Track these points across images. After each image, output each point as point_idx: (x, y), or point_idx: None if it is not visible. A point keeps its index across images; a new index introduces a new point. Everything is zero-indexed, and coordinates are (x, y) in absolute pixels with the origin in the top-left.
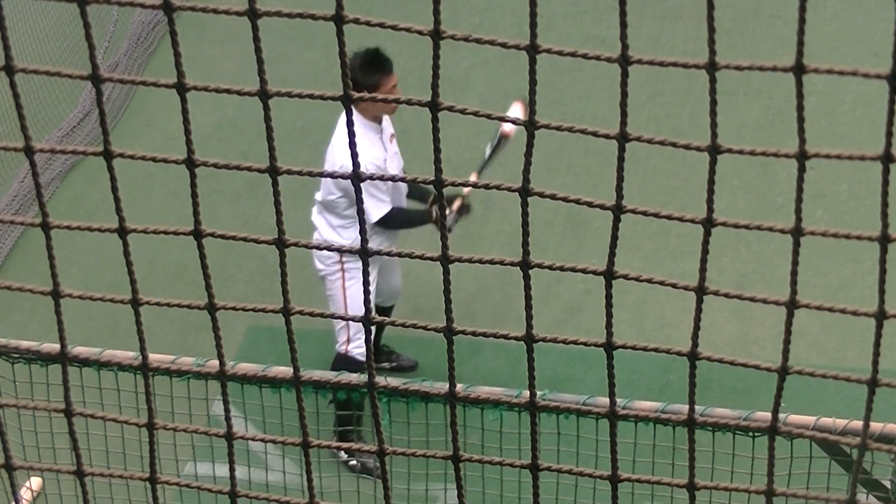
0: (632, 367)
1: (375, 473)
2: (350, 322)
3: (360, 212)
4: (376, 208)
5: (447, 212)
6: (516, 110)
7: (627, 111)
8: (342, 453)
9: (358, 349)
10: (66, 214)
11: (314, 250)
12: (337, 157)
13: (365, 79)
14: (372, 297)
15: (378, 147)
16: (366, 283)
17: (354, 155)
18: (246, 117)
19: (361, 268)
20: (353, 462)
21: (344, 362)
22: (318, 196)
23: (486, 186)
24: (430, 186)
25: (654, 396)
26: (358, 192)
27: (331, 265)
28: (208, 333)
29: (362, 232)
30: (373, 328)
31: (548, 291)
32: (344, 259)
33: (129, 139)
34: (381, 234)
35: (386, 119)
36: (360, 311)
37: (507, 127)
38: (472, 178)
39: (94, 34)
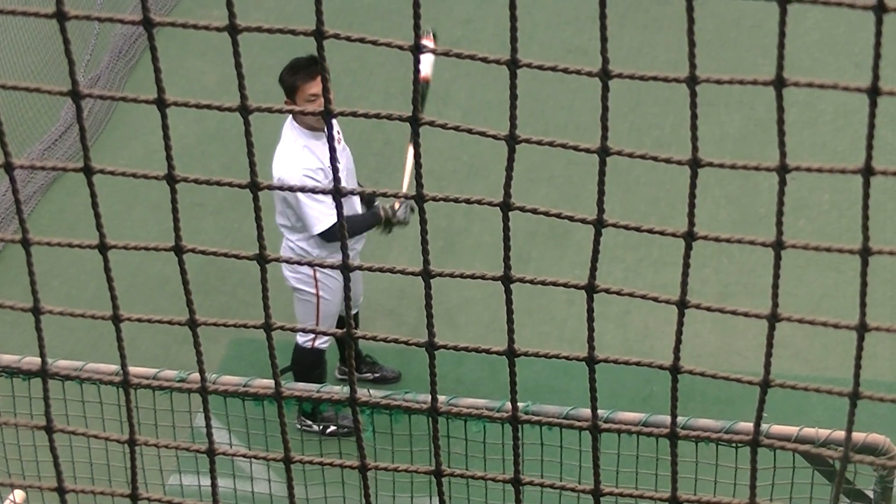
0: (615, 377)
1: (349, 430)
2: (322, 321)
3: (342, 226)
4: (318, 221)
5: (395, 207)
6: (427, 60)
7: (609, 123)
8: (313, 424)
9: (324, 343)
10: (48, 227)
11: (284, 265)
12: (274, 170)
13: (286, 79)
14: (340, 300)
15: (314, 157)
16: (347, 299)
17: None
18: (228, 129)
19: (341, 282)
20: (332, 428)
21: (308, 354)
22: (277, 220)
23: (467, 201)
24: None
25: (638, 407)
26: (339, 205)
27: (304, 277)
28: (191, 345)
29: (343, 247)
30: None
31: (530, 303)
32: (318, 274)
33: (111, 152)
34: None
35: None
36: (332, 319)
37: (424, 71)
38: (409, 152)
39: (75, 47)
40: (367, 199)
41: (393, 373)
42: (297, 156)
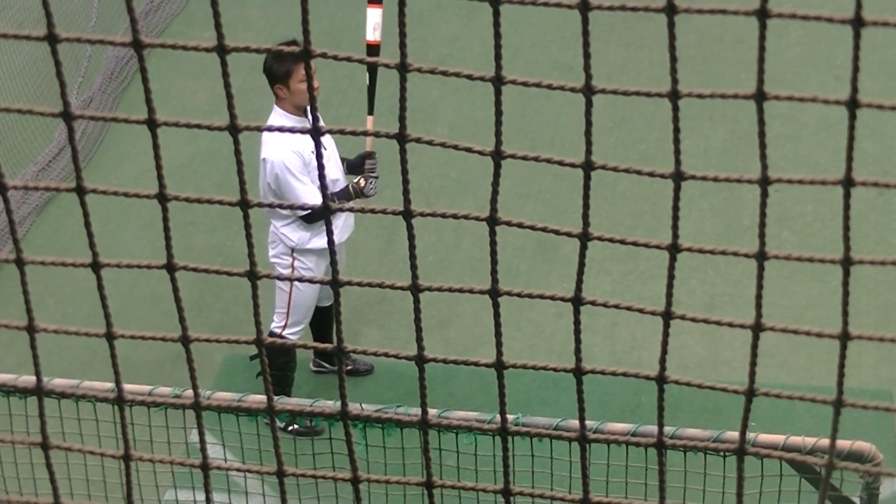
0: (604, 388)
1: (312, 432)
2: (292, 311)
3: (328, 222)
4: (301, 201)
5: (360, 184)
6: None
7: (593, 138)
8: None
9: (293, 335)
10: (43, 246)
11: (269, 242)
12: (262, 153)
13: (278, 67)
14: (314, 294)
15: (301, 137)
16: (337, 314)
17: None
18: (220, 148)
19: (318, 275)
20: (292, 427)
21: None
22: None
23: (455, 216)
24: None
25: (627, 417)
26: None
27: (283, 261)
28: (185, 362)
29: (333, 263)
30: (308, 324)
31: (519, 316)
32: (296, 262)
33: (103, 171)
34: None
35: None
36: (304, 310)
37: (369, 35)
38: (369, 122)
39: (68, 69)
40: (351, 169)
41: (365, 366)
42: (284, 136)
